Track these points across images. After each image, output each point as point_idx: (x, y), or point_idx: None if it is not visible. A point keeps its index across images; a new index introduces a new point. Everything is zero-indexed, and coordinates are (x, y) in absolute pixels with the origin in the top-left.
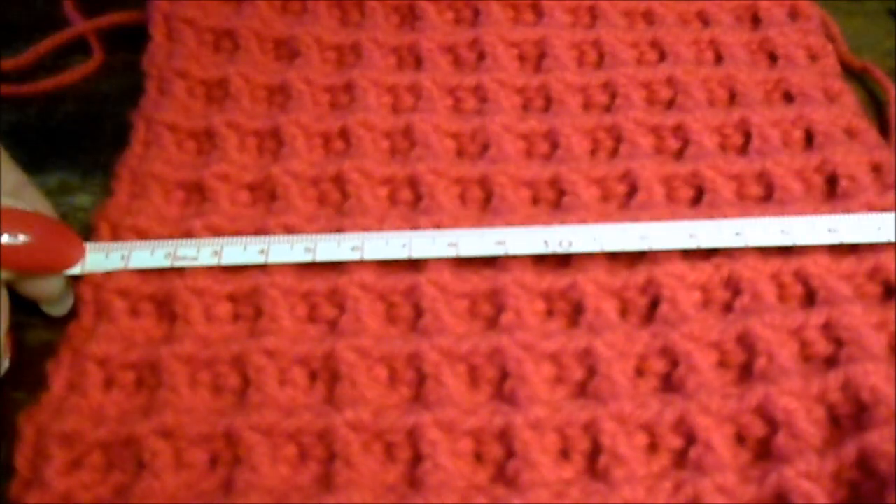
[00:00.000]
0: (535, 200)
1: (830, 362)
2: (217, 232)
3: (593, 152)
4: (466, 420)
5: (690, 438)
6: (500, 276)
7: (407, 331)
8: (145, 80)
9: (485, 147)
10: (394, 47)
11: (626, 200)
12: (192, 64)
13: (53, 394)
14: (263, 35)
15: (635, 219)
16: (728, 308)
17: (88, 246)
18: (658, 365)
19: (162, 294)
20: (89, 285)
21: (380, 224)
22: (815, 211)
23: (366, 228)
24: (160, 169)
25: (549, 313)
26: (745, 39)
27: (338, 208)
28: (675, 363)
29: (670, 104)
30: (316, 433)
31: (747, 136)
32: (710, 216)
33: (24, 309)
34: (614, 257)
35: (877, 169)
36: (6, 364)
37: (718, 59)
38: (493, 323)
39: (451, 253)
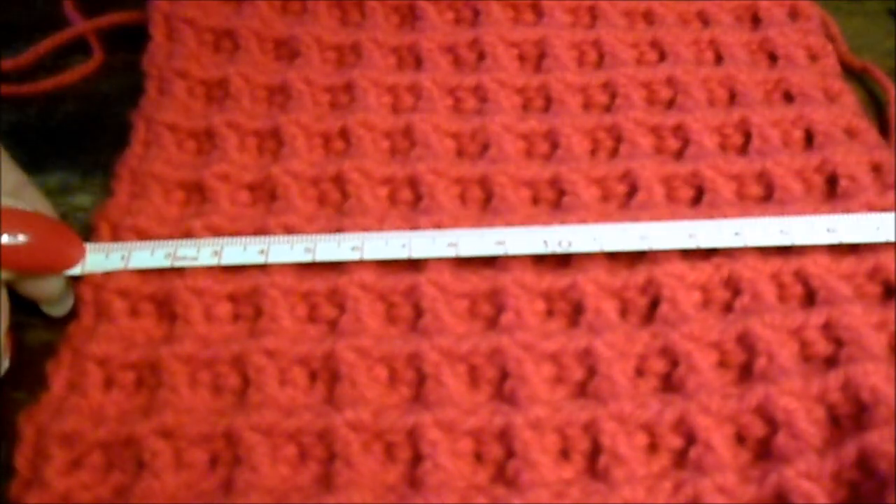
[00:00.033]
0: (535, 200)
1: (830, 362)
2: (217, 232)
3: (593, 152)
4: (466, 420)
5: (690, 438)
6: (500, 276)
7: (407, 331)
8: (145, 80)
9: (485, 147)
10: (394, 47)
11: (626, 200)
12: (192, 64)
13: (53, 394)
14: (263, 35)
15: (635, 219)
16: (728, 308)
17: (88, 246)
18: (658, 365)
19: (162, 294)
20: (89, 285)
21: (380, 224)
22: (816, 211)
23: (366, 228)
24: (160, 169)
25: (549, 313)
26: (745, 39)
27: (338, 208)
28: (675, 363)
29: (670, 104)
30: (316, 433)
31: (747, 136)
32: (710, 216)
33: (24, 309)
34: (614, 257)
35: (877, 169)
36: (6, 364)
37: (718, 59)
38: (493, 323)
39: (450, 253)
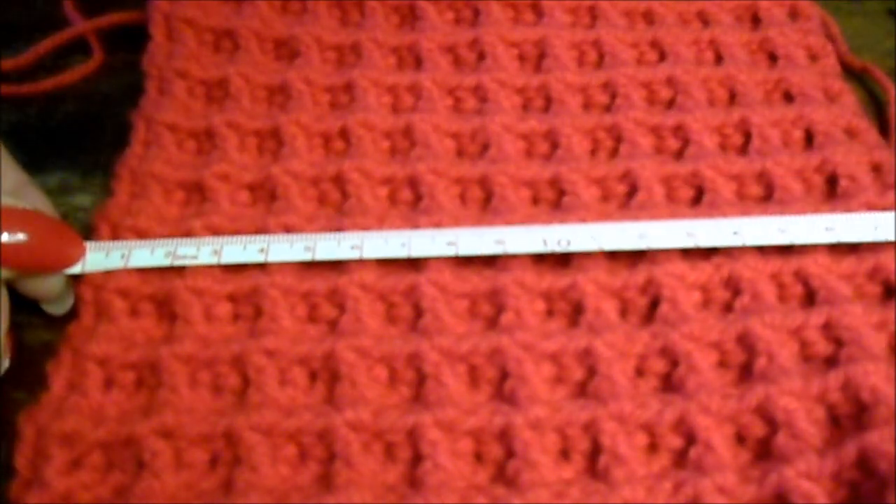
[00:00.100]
0: (535, 200)
1: (830, 362)
2: (217, 232)
3: (593, 152)
4: (466, 420)
5: (690, 438)
6: (501, 276)
7: (407, 331)
8: (145, 80)
9: (485, 147)
10: (394, 47)
11: (626, 200)
12: (192, 64)
13: (53, 394)
14: (263, 35)
15: (635, 219)
16: (728, 308)
17: (88, 245)
18: (658, 365)
19: (162, 294)
20: (89, 285)
21: (380, 224)
22: (816, 211)
23: (366, 228)
24: (160, 169)
25: (549, 313)
26: (745, 39)
27: (338, 208)
28: (675, 363)
29: (670, 104)
30: (316, 433)
31: (747, 136)
32: (710, 216)
33: (24, 309)
34: (614, 257)
35: (877, 169)
36: (6, 364)
37: (718, 59)
38: (493, 323)
39: (450, 252)
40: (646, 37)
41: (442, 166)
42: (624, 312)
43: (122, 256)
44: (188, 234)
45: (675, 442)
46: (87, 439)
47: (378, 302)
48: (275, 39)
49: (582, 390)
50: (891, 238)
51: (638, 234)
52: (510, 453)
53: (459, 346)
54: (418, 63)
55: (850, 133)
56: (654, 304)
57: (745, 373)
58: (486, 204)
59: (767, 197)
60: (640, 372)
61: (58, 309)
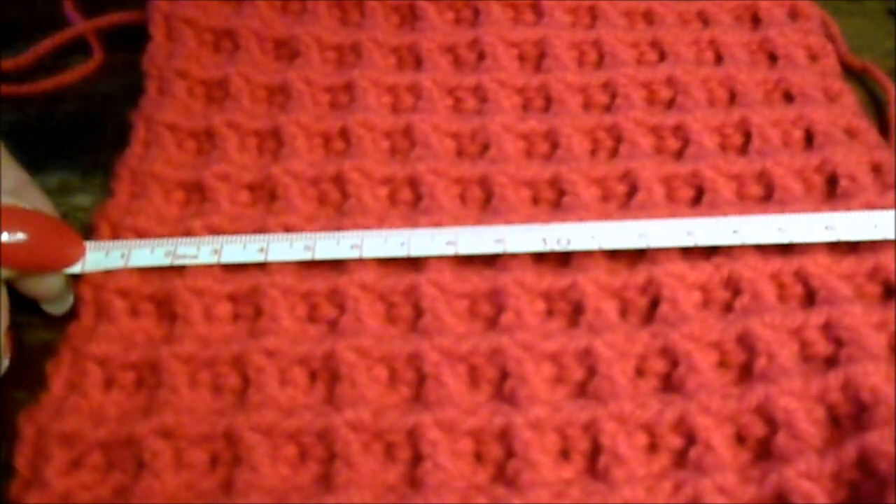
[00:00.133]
0: (535, 200)
1: (830, 362)
2: (217, 232)
3: (593, 152)
4: (466, 420)
5: (690, 438)
6: (501, 276)
7: (407, 331)
8: (145, 80)
9: (485, 147)
10: (394, 47)
11: (626, 200)
12: (192, 64)
13: (53, 394)
14: (263, 35)
15: (635, 219)
16: (728, 308)
17: (88, 244)
18: (658, 365)
19: (162, 294)
20: (89, 285)
21: (380, 224)
22: (816, 211)
23: (366, 228)
24: (160, 169)
25: (549, 313)
26: (745, 39)
27: (338, 208)
28: (675, 363)
29: (670, 104)
30: (316, 433)
31: (747, 136)
32: (710, 216)
33: (24, 308)
34: (614, 257)
35: (877, 169)
36: (6, 363)
37: (718, 59)
38: (493, 323)
39: (449, 251)
40: (646, 37)
41: (442, 166)
42: (624, 312)
43: (122, 256)
44: (188, 233)
45: (675, 442)
46: (87, 439)
47: (378, 302)
48: (275, 39)
49: (582, 390)
50: (890, 236)
51: (638, 233)
52: (510, 453)
53: (459, 346)
54: (418, 63)
55: (850, 133)
56: (654, 304)
57: (745, 373)
58: (486, 204)
59: (767, 197)
60: (640, 372)
61: (58, 309)
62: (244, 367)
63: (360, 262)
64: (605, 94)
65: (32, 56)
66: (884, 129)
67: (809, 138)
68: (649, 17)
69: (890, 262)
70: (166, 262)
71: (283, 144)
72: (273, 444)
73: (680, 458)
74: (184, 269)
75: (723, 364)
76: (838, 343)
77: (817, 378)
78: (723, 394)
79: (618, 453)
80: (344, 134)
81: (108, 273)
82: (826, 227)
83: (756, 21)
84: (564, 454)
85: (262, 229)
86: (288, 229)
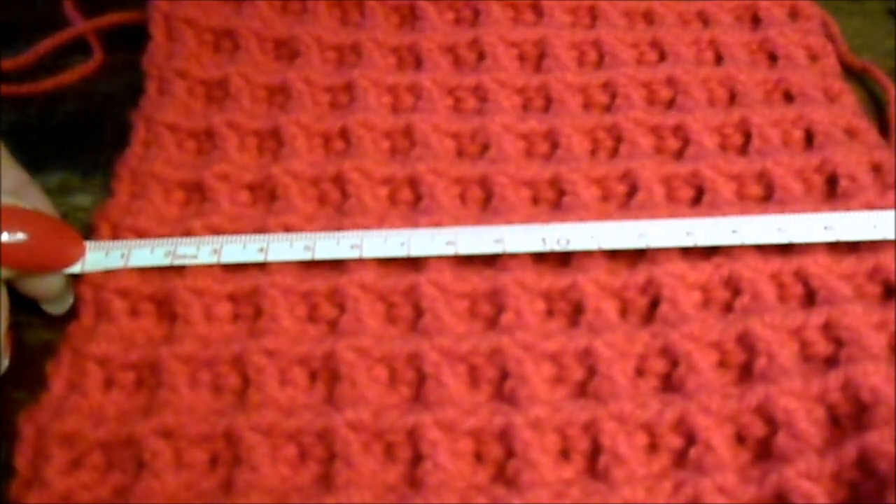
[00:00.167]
0: (535, 200)
1: (830, 362)
2: (217, 232)
3: (593, 152)
4: (466, 420)
5: (690, 438)
6: (501, 276)
7: (407, 331)
8: (145, 80)
9: (485, 147)
10: (394, 47)
11: (626, 200)
12: (192, 64)
13: (53, 394)
14: (263, 35)
15: (635, 219)
16: (728, 308)
17: (88, 244)
18: (658, 365)
19: (162, 294)
20: (89, 285)
21: (380, 224)
22: (816, 211)
23: (366, 228)
24: (160, 169)
25: (549, 313)
26: (745, 39)
27: (338, 208)
28: (675, 363)
29: (670, 104)
30: (316, 433)
31: (747, 136)
32: (710, 216)
33: (24, 308)
34: (614, 257)
35: (877, 169)
36: (6, 363)
37: (718, 59)
38: (493, 323)
39: (449, 251)
40: (646, 37)
41: (442, 166)
42: (624, 312)
43: (122, 256)
44: (188, 234)
45: (675, 442)
46: (87, 439)
47: (378, 302)
48: (275, 39)
49: (582, 390)
50: (889, 237)
51: (637, 233)
52: (510, 453)
53: (459, 346)
54: (418, 63)
55: (850, 133)
56: (654, 304)
57: (745, 373)
58: (486, 204)
59: (767, 197)
60: (640, 372)
61: (57, 309)
62: (244, 367)
63: (360, 261)
64: (605, 94)
65: (32, 56)
66: (884, 129)
67: (809, 138)
68: (649, 17)
69: (890, 262)
70: (166, 262)
71: (283, 144)
72: (273, 444)
73: (680, 458)
74: (184, 269)
75: (723, 364)
76: (838, 343)
77: (817, 378)
78: (723, 394)
79: (618, 453)
80: (344, 134)
81: (108, 273)
82: (825, 228)
83: (756, 21)
84: (564, 454)
85: (262, 229)
86: (288, 229)
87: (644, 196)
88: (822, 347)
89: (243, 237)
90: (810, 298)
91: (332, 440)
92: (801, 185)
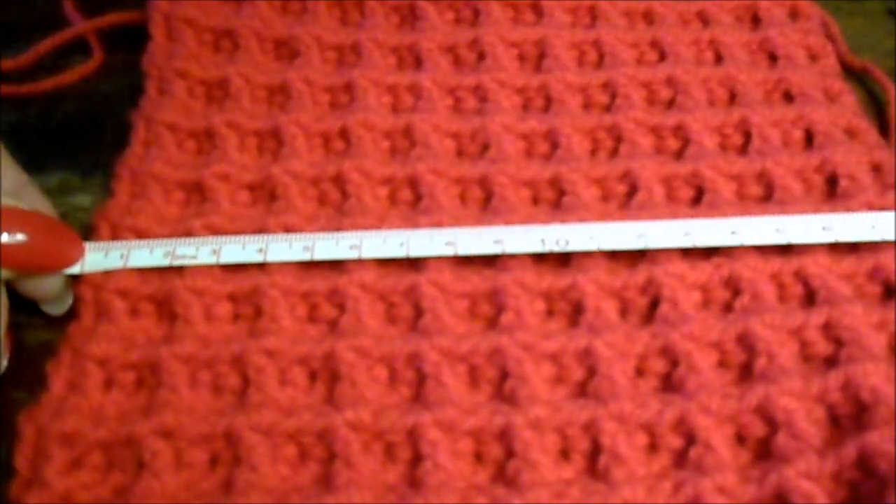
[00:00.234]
0: (535, 200)
1: (830, 362)
2: (217, 232)
3: (593, 152)
4: (466, 420)
5: (690, 438)
6: (500, 276)
7: (407, 331)
8: (145, 80)
9: (485, 147)
10: (394, 47)
11: (626, 200)
12: (192, 64)
13: (53, 394)
14: (263, 35)
15: (635, 219)
16: (728, 308)
17: (88, 245)
18: (658, 365)
19: (162, 294)
20: (89, 285)
21: (380, 224)
22: (816, 211)
23: (366, 228)
24: (160, 169)
25: (549, 313)
26: (745, 39)
27: (338, 208)
28: (675, 363)
29: (670, 104)
30: (316, 433)
31: (747, 136)
32: (710, 216)
33: (24, 309)
34: (614, 257)
35: (877, 169)
36: (5, 363)
37: (718, 59)
38: (493, 323)
39: (448, 251)
40: (646, 37)
41: (442, 166)
42: (624, 312)
43: (122, 256)
44: (188, 234)
45: (675, 442)
46: (87, 439)
47: (378, 302)
48: (275, 39)
49: (582, 390)
50: (888, 237)
51: (637, 233)
52: (510, 453)
53: (459, 346)
54: (418, 63)
55: (850, 133)
56: (654, 304)
57: (745, 373)
58: (486, 204)
59: (767, 197)
60: (640, 372)
61: (57, 309)
62: (244, 367)
63: (361, 262)
64: (605, 94)
65: (32, 56)
66: (884, 129)
67: (809, 138)
68: (649, 17)
69: (890, 262)
70: (165, 262)
71: (283, 144)
72: (273, 444)
73: (680, 458)
74: (184, 269)
75: (723, 364)
76: (838, 343)
77: (817, 378)
78: (723, 394)
79: (618, 453)
80: (344, 134)
81: (108, 273)
82: (824, 228)
83: (756, 21)
84: (564, 454)
85: (261, 229)
86: (288, 229)
87: (644, 196)
88: (822, 347)
89: (243, 237)
90: (810, 298)
91: (332, 440)
92: (801, 185)
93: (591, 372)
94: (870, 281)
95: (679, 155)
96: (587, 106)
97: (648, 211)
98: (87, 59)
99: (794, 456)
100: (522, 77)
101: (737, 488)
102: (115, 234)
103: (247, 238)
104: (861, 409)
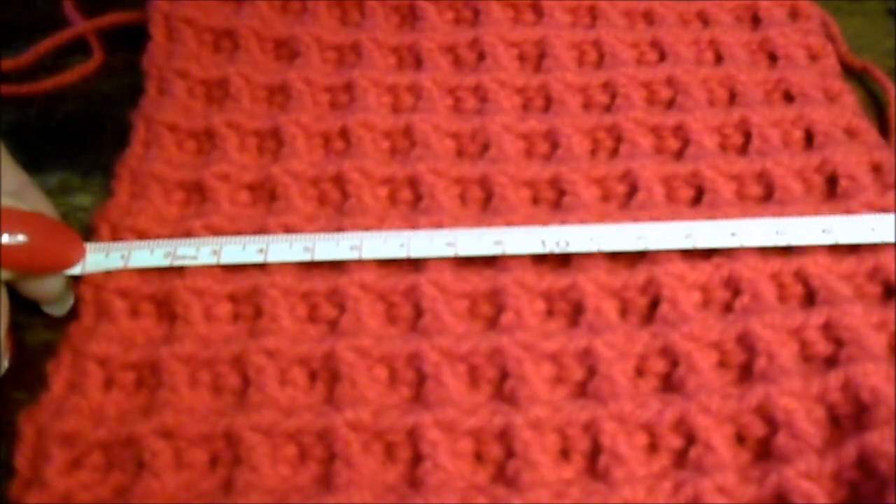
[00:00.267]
0: (535, 200)
1: (830, 362)
2: (217, 232)
3: (593, 152)
4: (466, 420)
5: (690, 438)
6: (501, 276)
7: (407, 331)
8: (145, 80)
9: (485, 147)
10: (394, 47)
11: (626, 200)
12: (192, 64)
13: (53, 394)
14: (263, 35)
15: (635, 219)
16: (728, 308)
17: (88, 246)
18: (658, 365)
19: (162, 294)
20: (89, 285)
21: (380, 224)
22: (816, 211)
23: (366, 228)
24: (160, 169)
25: (549, 313)
26: (745, 39)
27: (338, 208)
28: (675, 363)
29: (670, 104)
30: (316, 433)
31: (747, 136)
32: (710, 216)
33: (25, 309)
34: (614, 257)
35: (877, 169)
36: (6, 364)
37: (718, 59)
38: (493, 323)
39: (449, 252)
40: (646, 37)
41: (442, 166)
42: (624, 312)
43: (122, 257)
44: (188, 234)
45: (675, 442)
46: (87, 439)
47: (378, 302)
48: (275, 39)
49: (582, 390)
50: (887, 240)
51: (636, 235)
52: (510, 453)
53: (459, 346)
54: (418, 63)
55: (850, 133)
56: (654, 304)
57: (745, 373)
58: (486, 204)
59: (767, 197)
60: (640, 372)
61: (58, 310)
62: (244, 367)
63: (361, 262)
64: (605, 94)
65: (32, 56)
66: (884, 129)
67: (809, 138)
68: (649, 17)
69: (890, 263)
70: (165, 262)
71: (283, 144)
72: (273, 444)
73: (680, 458)
74: (184, 269)
75: (723, 364)
76: (838, 343)
77: (817, 378)
78: (723, 394)
79: (618, 453)
80: (344, 134)
81: (108, 273)
82: (823, 231)
83: (756, 21)
84: (564, 454)
85: (261, 229)
86: (288, 229)
87: (644, 196)
88: (822, 347)
89: (243, 238)
90: (810, 298)
91: (332, 440)
92: (800, 185)
93: (591, 372)
94: (870, 281)
95: (679, 155)
96: (587, 106)
97: (648, 211)
98: (87, 59)
99: (794, 456)
100: (522, 77)
101: (737, 488)
102: (116, 235)
103: (247, 238)
104: (861, 409)
